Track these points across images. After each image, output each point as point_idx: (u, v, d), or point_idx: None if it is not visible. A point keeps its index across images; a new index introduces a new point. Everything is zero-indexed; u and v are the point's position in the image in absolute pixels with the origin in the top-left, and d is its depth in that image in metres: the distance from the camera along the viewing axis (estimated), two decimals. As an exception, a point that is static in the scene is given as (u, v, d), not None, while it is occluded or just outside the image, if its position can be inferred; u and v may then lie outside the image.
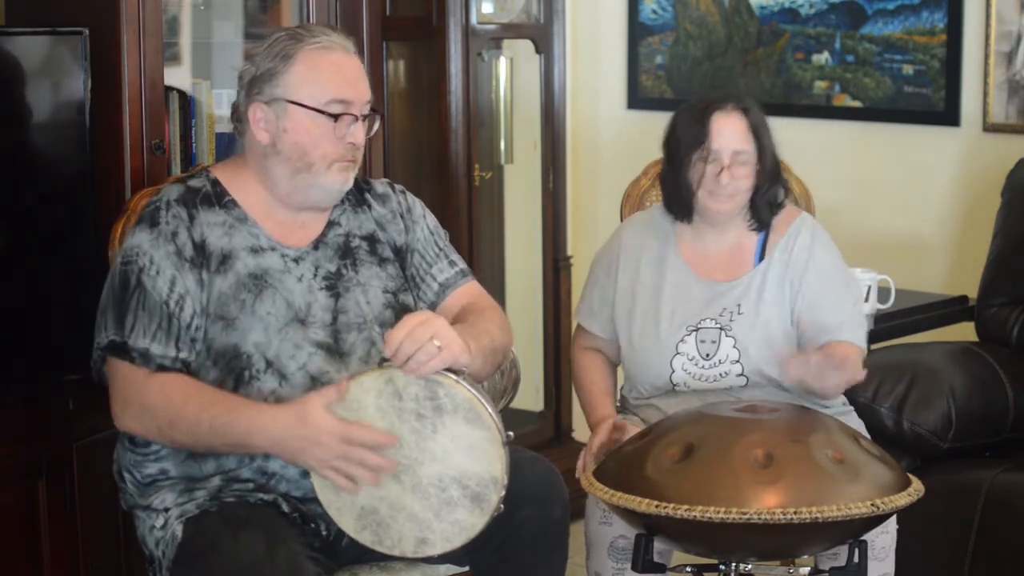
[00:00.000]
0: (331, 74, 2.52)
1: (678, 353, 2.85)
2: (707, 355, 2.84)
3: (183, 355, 2.46)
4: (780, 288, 2.86)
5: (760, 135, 2.81)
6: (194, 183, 2.58)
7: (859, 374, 2.73)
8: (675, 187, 2.87)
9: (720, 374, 2.83)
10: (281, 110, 2.51)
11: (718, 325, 2.84)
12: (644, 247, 2.94)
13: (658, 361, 2.86)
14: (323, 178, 2.53)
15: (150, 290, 2.45)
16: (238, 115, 2.58)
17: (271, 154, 2.54)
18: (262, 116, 2.53)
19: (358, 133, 2.54)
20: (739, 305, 2.85)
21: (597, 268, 3.01)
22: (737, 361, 2.82)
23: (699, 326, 2.85)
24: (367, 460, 2.34)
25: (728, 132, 2.80)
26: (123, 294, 2.47)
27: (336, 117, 2.50)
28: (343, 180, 2.56)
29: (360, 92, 2.54)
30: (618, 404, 3.00)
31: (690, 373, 2.84)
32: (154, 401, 2.42)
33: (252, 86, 2.53)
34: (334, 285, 2.58)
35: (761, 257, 2.89)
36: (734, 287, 2.87)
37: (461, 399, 2.35)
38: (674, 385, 2.86)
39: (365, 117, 2.56)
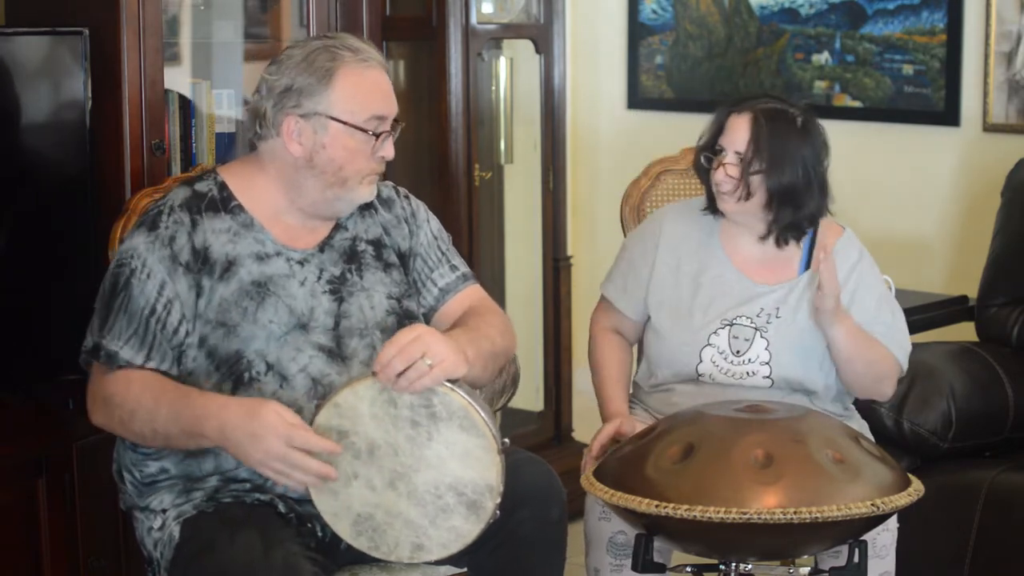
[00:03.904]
0: (371, 91, 2.53)
1: (709, 344, 2.85)
2: (738, 351, 2.83)
3: (151, 364, 2.45)
4: None
5: (762, 145, 2.79)
6: (201, 187, 2.57)
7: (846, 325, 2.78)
8: (707, 184, 2.90)
9: (747, 372, 2.83)
10: (320, 126, 2.51)
11: (754, 325, 2.84)
12: (686, 235, 2.94)
13: (688, 349, 2.86)
14: (354, 192, 2.55)
15: (136, 295, 2.45)
16: (263, 122, 2.55)
17: (303, 167, 2.53)
18: (297, 129, 2.51)
19: (389, 147, 2.57)
20: (778, 309, 2.85)
21: (633, 247, 2.98)
22: (767, 363, 2.82)
23: (734, 322, 2.85)
24: (308, 466, 2.32)
25: (734, 132, 2.82)
26: (111, 296, 2.48)
27: (378, 136, 2.52)
28: (370, 193, 2.58)
29: (393, 106, 2.57)
30: (632, 396, 2.99)
31: (718, 366, 2.84)
32: (115, 392, 2.43)
33: (286, 98, 2.51)
34: (338, 289, 2.58)
35: (807, 266, 2.89)
36: (775, 291, 2.86)
37: (456, 407, 2.35)
38: (699, 375, 2.86)
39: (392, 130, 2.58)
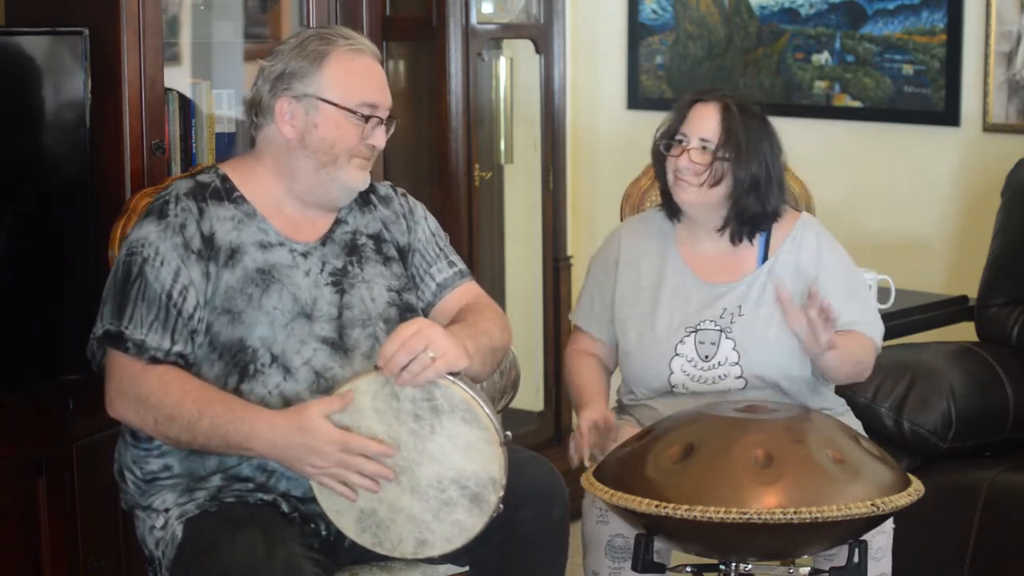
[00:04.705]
0: (362, 77, 2.56)
1: (677, 355, 2.84)
2: (706, 356, 2.83)
3: (178, 348, 2.46)
4: (785, 290, 2.84)
5: (733, 133, 2.79)
6: (203, 178, 2.59)
7: (852, 353, 2.78)
8: (661, 180, 2.90)
9: (719, 376, 2.82)
10: (312, 106, 2.53)
11: (718, 327, 2.83)
12: (644, 249, 2.94)
13: (656, 363, 2.85)
14: (344, 172, 2.56)
15: (152, 281, 2.46)
16: (258, 109, 2.58)
17: (296, 148, 2.55)
18: (289, 110, 2.54)
19: (380, 137, 2.58)
20: (740, 306, 2.84)
21: (596, 269, 3.00)
22: (736, 363, 2.82)
23: (698, 327, 2.84)
24: (364, 468, 2.36)
25: (700, 120, 2.82)
26: (125, 284, 2.48)
27: (367, 119, 2.54)
28: (362, 178, 2.59)
29: (386, 97, 2.59)
30: (615, 406, 2.99)
31: (689, 375, 2.84)
32: (151, 393, 2.43)
33: (280, 81, 2.55)
34: (340, 281, 2.59)
35: (765, 258, 2.89)
36: (735, 288, 2.86)
37: (458, 400, 2.36)
38: (672, 387, 2.85)
39: (384, 121, 2.59)
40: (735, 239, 2.87)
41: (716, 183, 2.80)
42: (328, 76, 2.53)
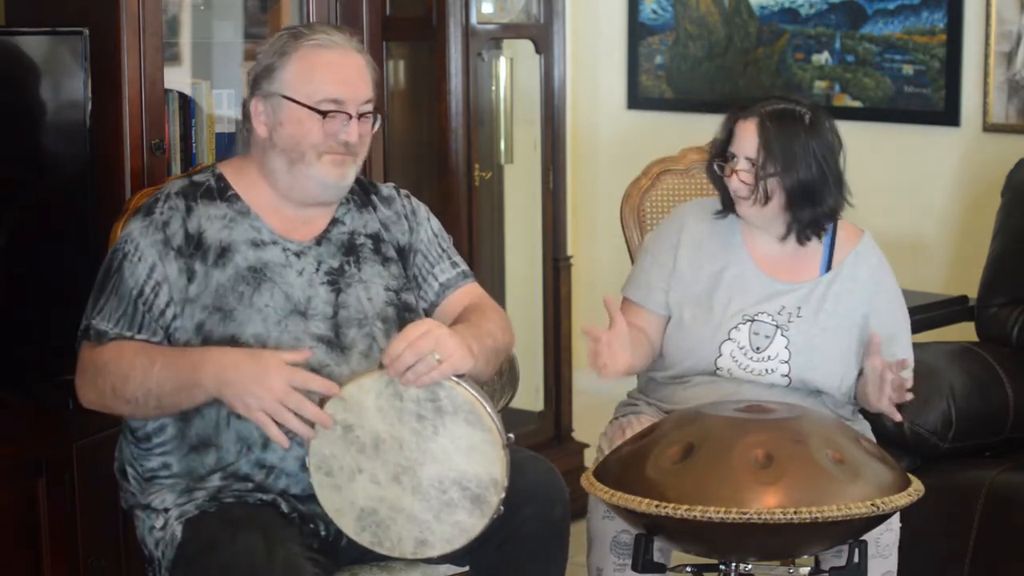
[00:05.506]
0: (324, 72, 2.54)
1: (729, 339, 2.86)
2: (757, 348, 2.84)
3: (142, 338, 2.48)
4: (843, 303, 2.87)
5: (772, 148, 2.80)
6: (198, 178, 2.61)
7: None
8: (721, 191, 2.92)
9: (766, 369, 2.84)
10: (277, 104, 2.54)
11: (775, 322, 2.85)
12: (710, 234, 2.95)
13: (707, 344, 2.86)
14: (315, 169, 2.55)
15: (127, 277, 2.48)
16: (246, 112, 2.60)
17: (269, 147, 2.57)
18: (261, 110, 2.56)
19: (352, 131, 2.55)
20: (799, 308, 2.86)
21: (656, 247, 2.99)
22: (786, 362, 2.83)
23: (755, 318, 2.86)
24: (304, 408, 2.33)
25: (742, 138, 2.83)
26: (104, 279, 2.52)
27: (325, 114, 2.52)
28: (338, 175, 2.57)
29: (356, 91, 2.55)
30: (639, 392, 3.00)
31: (737, 362, 2.85)
32: (108, 360, 2.44)
33: (254, 82, 2.57)
34: (336, 280, 2.59)
35: (828, 268, 2.90)
36: (796, 290, 2.88)
37: (462, 401, 2.36)
38: (717, 369, 2.86)
39: (362, 115, 2.56)
40: (802, 240, 2.88)
41: (767, 199, 2.82)
42: (289, 73, 2.53)
